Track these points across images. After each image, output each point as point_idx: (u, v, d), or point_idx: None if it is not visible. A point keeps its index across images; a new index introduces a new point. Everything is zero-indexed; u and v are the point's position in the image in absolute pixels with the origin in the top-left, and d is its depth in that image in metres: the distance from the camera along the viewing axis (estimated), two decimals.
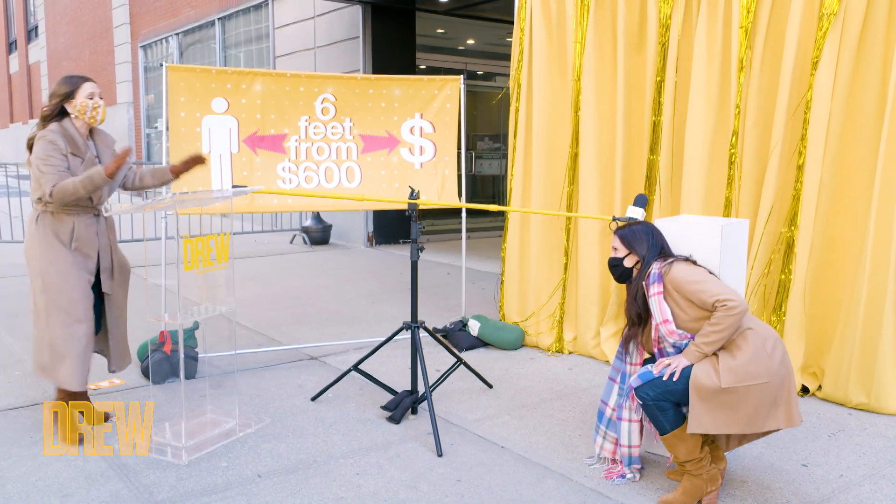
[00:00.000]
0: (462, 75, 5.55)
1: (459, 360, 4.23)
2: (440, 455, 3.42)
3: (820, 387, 4.20)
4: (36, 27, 25.68)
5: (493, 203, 11.92)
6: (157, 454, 3.38)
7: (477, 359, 4.91)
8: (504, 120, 12.33)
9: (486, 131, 12.86)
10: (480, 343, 5.22)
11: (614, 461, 3.27)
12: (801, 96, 4.10)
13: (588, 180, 4.87)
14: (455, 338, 5.22)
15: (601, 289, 4.94)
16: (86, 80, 3.50)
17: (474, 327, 5.23)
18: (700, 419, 2.85)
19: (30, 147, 3.45)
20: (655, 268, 3.05)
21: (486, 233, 11.46)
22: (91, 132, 3.59)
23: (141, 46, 16.92)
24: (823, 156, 4.05)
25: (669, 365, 2.93)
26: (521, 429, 3.77)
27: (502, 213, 5.32)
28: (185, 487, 3.10)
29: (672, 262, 3.03)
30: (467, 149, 6.23)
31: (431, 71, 11.27)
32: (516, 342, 5.17)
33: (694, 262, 3.08)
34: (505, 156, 11.95)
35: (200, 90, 4.90)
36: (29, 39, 27.14)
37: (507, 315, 5.40)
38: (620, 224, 3.30)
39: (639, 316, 3.13)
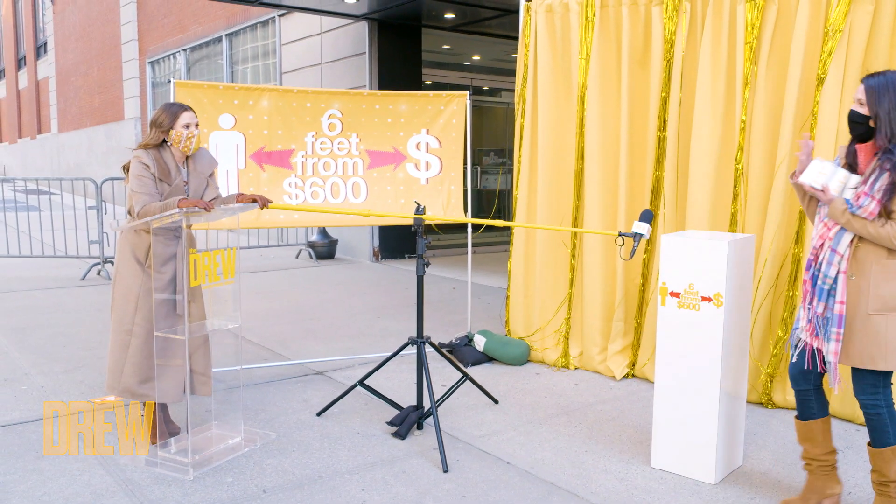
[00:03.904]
0: (468, 91, 5.59)
1: (465, 376, 4.23)
2: (446, 471, 3.41)
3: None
4: (45, 43, 25.94)
5: (499, 218, 11.92)
6: (163, 469, 3.38)
7: (482, 374, 4.90)
8: (510, 135, 12.36)
9: (491, 146, 12.90)
10: (486, 358, 5.21)
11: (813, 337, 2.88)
12: (807, 112, 4.11)
13: (593, 196, 4.88)
14: (461, 353, 5.22)
15: (607, 304, 4.93)
16: (185, 109, 3.58)
17: (480, 342, 5.23)
18: None
19: (126, 169, 3.59)
20: None
21: (492, 248, 11.44)
22: (188, 157, 3.68)
23: (149, 62, 17.07)
24: None
25: (823, 192, 2.72)
26: (526, 444, 3.75)
27: (508, 228, 5.32)
28: (190, 503, 3.10)
29: None
30: (473, 164, 6.24)
31: (437, 87, 11.32)
32: (522, 357, 5.16)
33: None
34: (510, 171, 11.97)
35: (208, 106, 4.94)
36: (38, 55, 27.41)
37: (512, 330, 5.39)
38: (627, 240, 3.17)
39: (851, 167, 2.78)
